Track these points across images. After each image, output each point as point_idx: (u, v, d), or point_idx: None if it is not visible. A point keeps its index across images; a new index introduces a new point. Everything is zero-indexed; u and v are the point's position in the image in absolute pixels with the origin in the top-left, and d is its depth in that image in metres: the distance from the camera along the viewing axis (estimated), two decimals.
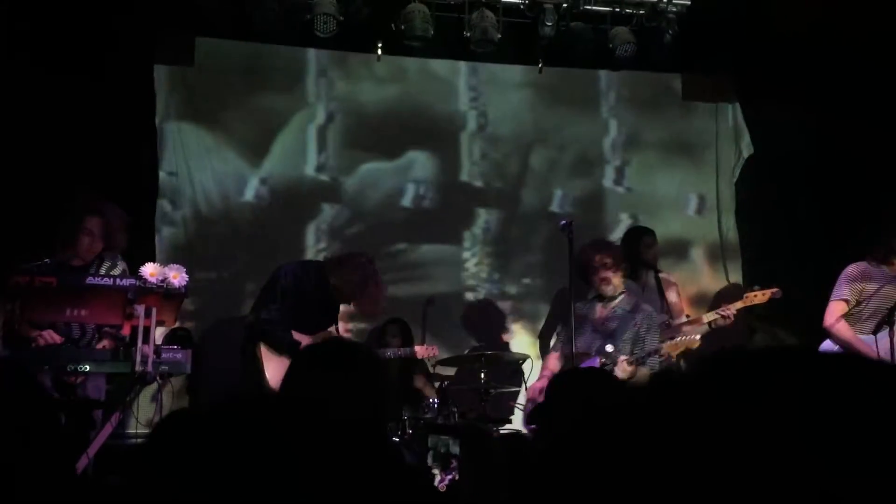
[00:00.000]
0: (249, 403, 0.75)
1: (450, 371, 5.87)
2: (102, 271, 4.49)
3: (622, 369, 4.73)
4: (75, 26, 5.52)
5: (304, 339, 4.84)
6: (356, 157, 6.54)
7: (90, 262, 4.57)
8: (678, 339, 4.97)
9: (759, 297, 5.18)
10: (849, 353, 0.57)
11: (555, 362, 5.17)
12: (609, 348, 4.89)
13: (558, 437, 0.62)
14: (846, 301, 4.73)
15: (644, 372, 4.78)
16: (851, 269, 4.78)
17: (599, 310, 5.08)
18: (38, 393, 1.23)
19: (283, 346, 4.82)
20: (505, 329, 6.56)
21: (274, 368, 4.82)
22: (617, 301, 5.06)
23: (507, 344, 6.44)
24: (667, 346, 4.88)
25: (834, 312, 4.76)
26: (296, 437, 0.68)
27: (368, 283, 5.05)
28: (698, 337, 4.89)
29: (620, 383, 2.71)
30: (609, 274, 5.01)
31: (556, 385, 2.46)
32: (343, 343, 2.24)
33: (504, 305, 6.61)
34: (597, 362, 4.84)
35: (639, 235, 5.92)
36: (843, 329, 4.71)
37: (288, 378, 2.11)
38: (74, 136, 5.50)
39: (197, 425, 0.72)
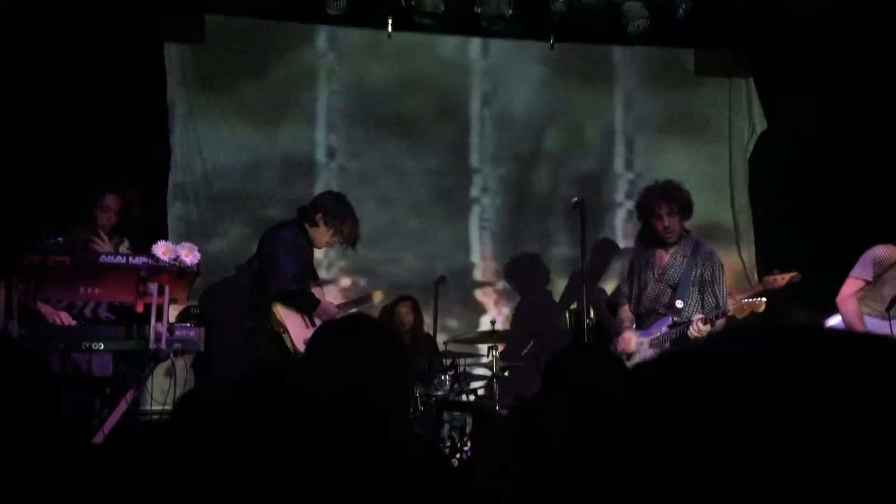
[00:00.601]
0: (275, 385, 0.75)
1: (461, 349, 5.87)
2: (121, 249, 4.55)
3: (697, 329, 4.56)
4: (86, 6, 5.50)
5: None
6: (365, 134, 6.51)
7: (106, 238, 4.63)
8: (744, 300, 4.75)
9: (778, 280, 5.13)
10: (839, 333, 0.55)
11: (627, 313, 5.01)
12: (679, 304, 4.74)
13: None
14: (864, 280, 4.70)
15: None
16: (879, 250, 4.72)
17: (660, 256, 4.92)
18: (34, 369, 1.23)
19: (307, 305, 4.93)
20: (515, 306, 6.57)
21: (296, 328, 4.87)
22: (676, 246, 4.89)
23: (516, 321, 6.45)
24: (733, 309, 4.68)
25: (848, 288, 4.74)
26: (322, 424, 0.68)
27: (352, 212, 5.21)
28: (764, 300, 4.70)
29: (616, 364, 2.61)
30: (670, 222, 4.83)
31: (551, 368, 2.42)
32: (367, 321, 2.23)
33: (513, 283, 6.61)
34: (669, 321, 4.75)
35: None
36: (850, 307, 4.69)
37: (311, 355, 2.11)
38: (85, 114, 5.51)
39: (222, 408, 0.71)
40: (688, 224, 5.04)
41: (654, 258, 4.94)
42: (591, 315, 5.70)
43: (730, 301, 4.84)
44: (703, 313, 4.68)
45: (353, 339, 2.04)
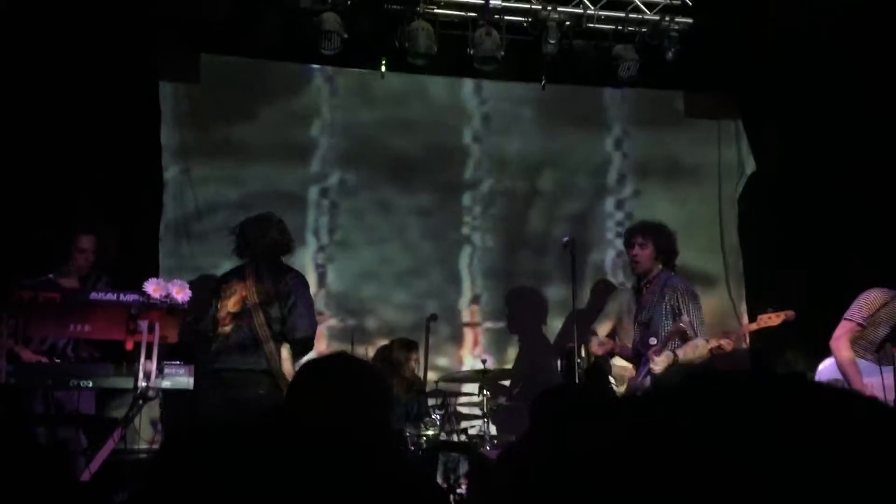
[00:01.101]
0: (269, 428, 0.75)
1: (451, 388, 5.84)
2: (99, 286, 4.57)
3: (653, 362, 4.63)
4: (81, 44, 5.55)
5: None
6: (357, 173, 6.55)
7: (85, 277, 4.72)
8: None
9: (772, 319, 5.15)
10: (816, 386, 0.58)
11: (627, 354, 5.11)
12: (652, 341, 4.79)
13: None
14: (857, 323, 4.68)
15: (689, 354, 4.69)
16: (873, 293, 4.72)
17: (639, 299, 5.03)
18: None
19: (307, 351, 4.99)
20: (507, 346, 6.56)
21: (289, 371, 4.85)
22: (650, 286, 4.96)
23: (508, 360, 6.44)
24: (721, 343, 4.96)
25: (841, 330, 4.73)
26: (311, 464, 0.68)
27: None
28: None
29: (606, 403, 2.60)
30: (638, 252, 4.93)
31: (537, 407, 2.41)
32: (347, 358, 2.24)
33: (505, 322, 6.60)
34: (645, 361, 4.75)
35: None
36: (843, 350, 4.68)
37: (294, 393, 2.11)
38: (79, 150, 5.53)
39: (211, 448, 0.72)
40: (678, 263, 5.08)
41: (637, 302, 5.03)
42: (583, 354, 5.69)
43: (720, 339, 4.91)
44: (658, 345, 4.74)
45: (336, 377, 2.05)
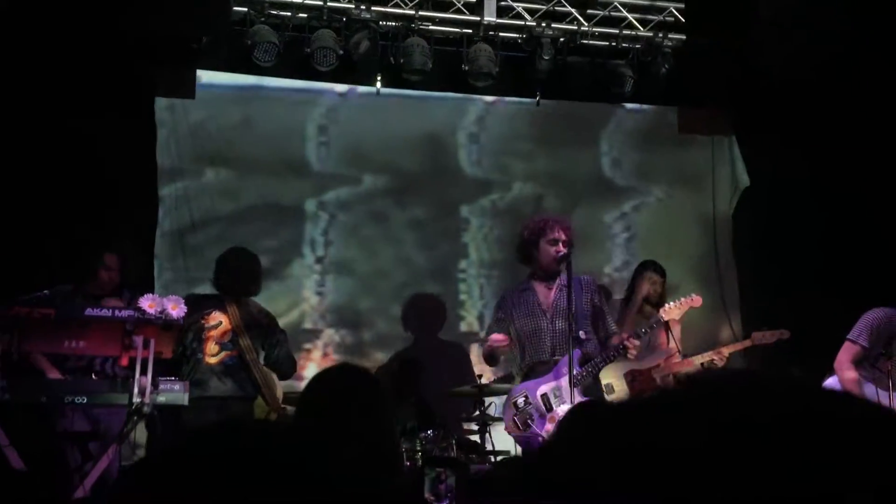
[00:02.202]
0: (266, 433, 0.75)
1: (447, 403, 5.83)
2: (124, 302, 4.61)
3: (633, 345, 4.57)
4: (78, 60, 5.57)
5: None
6: (353, 193, 6.56)
7: (111, 292, 4.73)
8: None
9: (766, 337, 5.14)
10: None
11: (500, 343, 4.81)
12: (582, 335, 4.62)
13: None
14: (860, 346, 4.61)
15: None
16: (873, 314, 4.64)
17: (544, 291, 4.81)
18: None
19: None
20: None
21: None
22: (552, 282, 4.81)
23: (503, 378, 6.41)
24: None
25: (845, 354, 4.65)
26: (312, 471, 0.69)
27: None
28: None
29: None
30: (564, 249, 4.71)
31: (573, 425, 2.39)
32: (357, 371, 2.27)
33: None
34: (578, 354, 4.55)
35: (643, 268, 5.77)
36: (846, 371, 4.60)
37: (306, 405, 2.14)
38: (75, 168, 5.53)
39: (201, 456, 0.72)
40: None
41: (537, 304, 4.78)
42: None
43: (713, 354, 4.93)
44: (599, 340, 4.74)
45: (348, 388, 2.08)
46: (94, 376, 4.52)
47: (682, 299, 4.96)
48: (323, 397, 2.08)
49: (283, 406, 4.91)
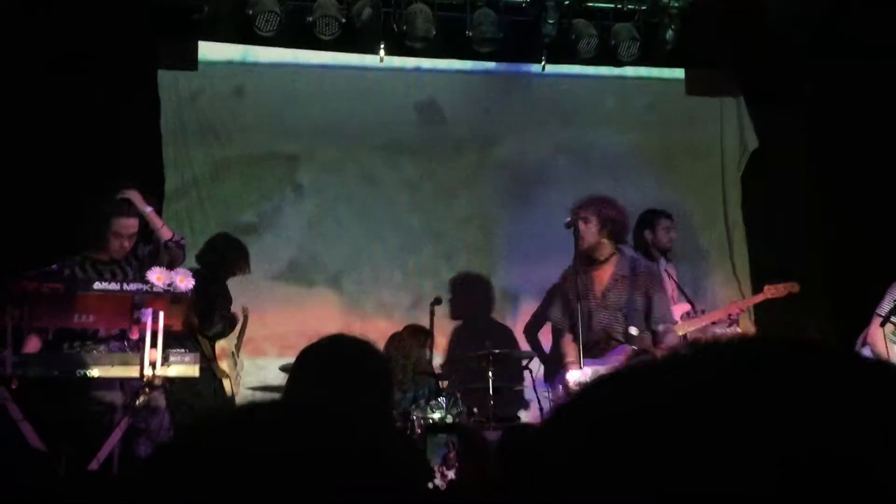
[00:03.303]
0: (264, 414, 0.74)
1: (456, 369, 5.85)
2: (134, 263, 4.48)
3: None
4: (79, 34, 5.54)
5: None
6: (355, 167, 6.53)
7: (122, 259, 4.50)
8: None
9: (778, 290, 5.17)
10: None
11: (572, 351, 4.72)
12: (634, 331, 4.58)
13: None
14: (880, 315, 4.56)
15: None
16: None
17: (598, 278, 4.72)
18: None
19: None
20: (511, 328, 6.56)
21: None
22: (612, 265, 4.72)
23: (514, 342, 6.43)
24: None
25: (872, 327, 4.61)
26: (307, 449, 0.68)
27: None
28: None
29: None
30: (582, 227, 4.65)
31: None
32: (349, 340, 2.23)
33: (511, 304, 6.60)
34: (627, 350, 4.54)
35: (655, 217, 5.65)
36: (880, 345, 4.55)
37: (297, 376, 2.12)
38: (78, 142, 5.53)
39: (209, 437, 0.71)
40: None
41: (592, 282, 4.73)
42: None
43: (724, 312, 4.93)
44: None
45: (339, 359, 2.06)
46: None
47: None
48: (317, 369, 2.06)
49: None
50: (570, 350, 4.76)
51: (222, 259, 5.44)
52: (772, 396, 0.52)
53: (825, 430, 0.50)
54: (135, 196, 4.52)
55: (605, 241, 4.71)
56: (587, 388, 0.60)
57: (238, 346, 5.71)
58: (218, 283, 5.39)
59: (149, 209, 4.57)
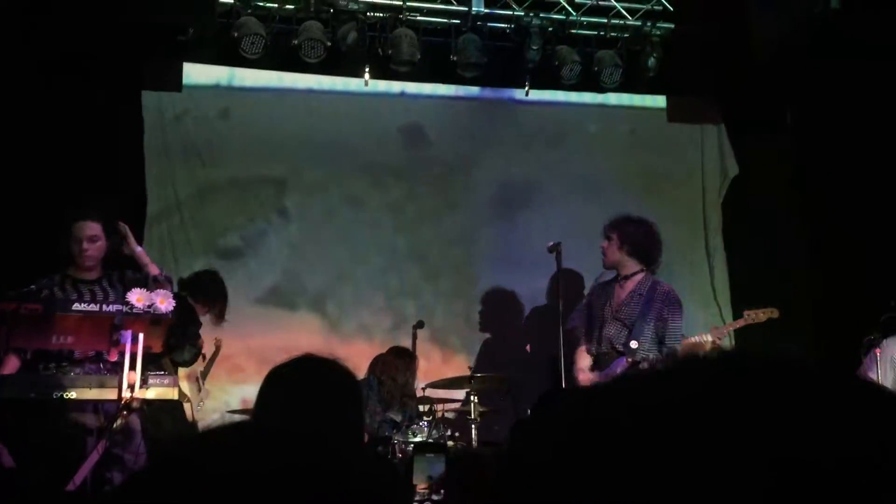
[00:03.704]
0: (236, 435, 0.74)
1: (440, 393, 5.82)
2: (118, 287, 4.39)
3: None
4: (65, 52, 5.53)
5: None
6: (339, 190, 6.53)
7: (96, 274, 4.45)
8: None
9: (759, 315, 5.20)
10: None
11: (584, 359, 4.97)
12: (633, 344, 4.73)
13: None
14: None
15: None
16: None
17: (618, 293, 4.92)
18: None
19: None
20: (495, 351, 6.55)
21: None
22: (633, 282, 4.90)
23: (496, 365, 6.42)
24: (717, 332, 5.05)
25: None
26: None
27: None
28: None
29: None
30: (605, 245, 4.90)
31: (543, 405, 2.43)
32: (315, 360, 2.20)
33: (494, 326, 6.60)
34: (624, 362, 4.71)
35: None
36: None
37: (263, 400, 2.10)
38: (61, 162, 5.50)
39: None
40: (664, 264, 5.09)
41: (612, 295, 4.94)
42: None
43: (704, 336, 4.93)
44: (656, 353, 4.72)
45: (306, 379, 2.04)
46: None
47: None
48: (284, 392, 2.04)
49: None
50: (581, 358, 4.98)
51: (205, 294, 5.35)
52: (754, 400, 0.53)
53: (809, 434, 0.51)
54: (128, 232, 4.53)
55: (627, 258, 4.90)
56: (574, 398, 0.61)
57: (205, 375, 5.72)
58: (193, 313, 5.30)
59: (139, 248, 4.57)
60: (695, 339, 5.25)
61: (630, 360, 4.72)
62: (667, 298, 4.87)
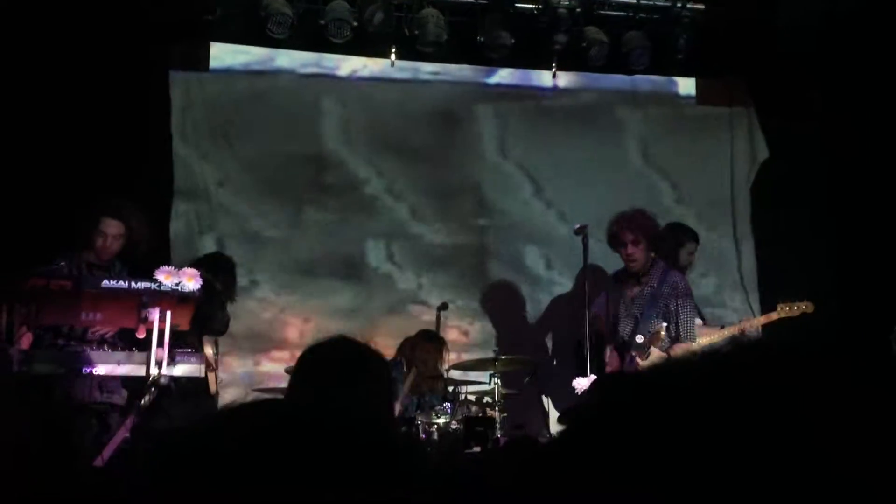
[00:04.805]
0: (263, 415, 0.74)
1: (463, 375, 5.83)
2: (122, 273, 4.51)
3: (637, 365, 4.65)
4: (92, 34, 5.56)
5: None
6: (369, 171, 6.53)
7: (108, 263, 4.59)
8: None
9: (792, 310, 5.14)
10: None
11: (613, 358, 4.99)
12: (639, 339, 4.77)
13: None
14: None
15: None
16: None
17: (631, 288, 4.94)
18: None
19: None
20: (520, 334, 6.54)
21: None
22: (645, 277, 4.89)
23: (521, 348, 6.41)
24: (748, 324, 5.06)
25: None
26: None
27: None
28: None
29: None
30: (633, 251, 4.82)
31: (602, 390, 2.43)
32: (351, 342, 2.22)
33: (520, 308, 6.59)
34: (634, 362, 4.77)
35: (684, 237, 5.68)
36: None
37: (300, 376, 2.12)
38: (89, 141, 5.54)
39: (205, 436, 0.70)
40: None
41: (626, 292, 4.96)
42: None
43: (730, 329, 4.89)
44: (658, 347, 4.70)
45: (339, 360, 2.06)
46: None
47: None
48: (319, 372, 2.06)
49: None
50: (612, 360, 4.99)
51: (214, 274, 5.28)
52: (764, 392, 0.54)
53: (820, 427, 0.51)
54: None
55: (650, 257, 4.88)
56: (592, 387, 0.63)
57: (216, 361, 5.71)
58: (212, 286, 5.28)
59: None
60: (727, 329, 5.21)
61: (633, 353, 4.73)
62: (674, 291, 4.83)
